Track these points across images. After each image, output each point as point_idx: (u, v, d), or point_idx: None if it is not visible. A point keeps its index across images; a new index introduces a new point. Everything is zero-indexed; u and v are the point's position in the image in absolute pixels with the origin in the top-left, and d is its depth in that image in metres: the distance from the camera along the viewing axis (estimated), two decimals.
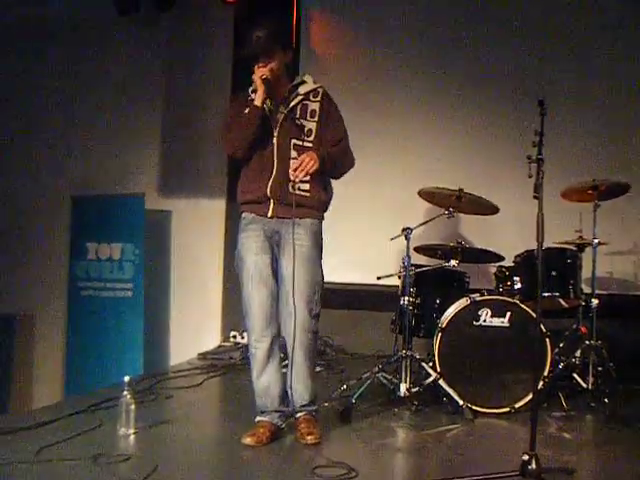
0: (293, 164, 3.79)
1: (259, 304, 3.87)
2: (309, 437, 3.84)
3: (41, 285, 7.92)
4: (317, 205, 3.96)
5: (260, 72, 3.85)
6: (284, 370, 4.00)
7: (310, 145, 3.90)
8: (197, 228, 7.61)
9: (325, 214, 4.05)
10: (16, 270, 7.92)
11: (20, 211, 8.02)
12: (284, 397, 3.96)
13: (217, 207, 7.55)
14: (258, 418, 3.96)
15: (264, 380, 3.92)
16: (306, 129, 3.92)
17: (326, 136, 3.95)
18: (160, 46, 7.88)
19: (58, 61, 7.95)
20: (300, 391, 3.92)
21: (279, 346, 3.97)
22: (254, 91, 3.91)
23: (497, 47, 6.95)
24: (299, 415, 3.96)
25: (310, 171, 3.74)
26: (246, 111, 3.87)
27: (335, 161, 3.93)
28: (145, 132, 7.88)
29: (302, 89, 3.98)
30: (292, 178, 3.77)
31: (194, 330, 7.45)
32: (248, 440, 3.80)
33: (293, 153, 3.87)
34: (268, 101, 3.88)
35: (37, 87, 7.98)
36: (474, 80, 6.95)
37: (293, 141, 3.90)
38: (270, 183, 3.86)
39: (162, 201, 7.78)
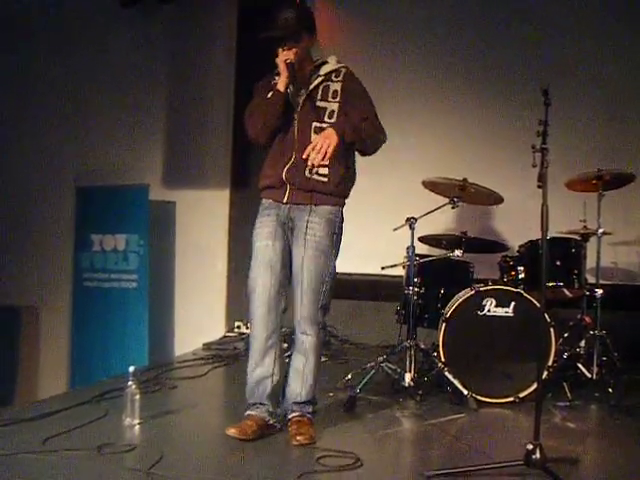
0: (308, 149, 3.58)
1: (262, 291, 3.72)
2: (298, 437, 3.67)
3: (46, 277, 7.93)
4: (336, 191, 3.80)
5: (285, 56, 3.70)
6: (287, 360, 3.90)
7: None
8: (201, 219, 7.61)
9: (346, 200, 3.91)
10: (21, 262, 7.94)
11: (24, 202, 8.03)
12: (278, 393, 3.81)
13: (221, 197, 7.55)
14: (247, 412, 3.81)
15: (258, 372, 3.76)
16: (328, 111, 3.76)
17: (351, 115, 3.74)
18: (163, 37, 7.86)
19: (61, 52, 7.93)
20: (295, 388, 3.80)
21: (281, 337, 3.83)
22: (278, 74, 3.78)
23: (501, 36, 6.92)
24: (292, 415, 3.82)
25: (329, 151, 3.54)
26: (269, 95, 3.75)
27: (362, 132, 3.74)
28: (149, 123, 7.87)
29: (323, 70, 3.84)
30: (309, 164, 3.60)
31: (199, 320, 7.46)
32: (232, 431, 3.66)
33: (313, 137, 3.68)
34: (291, 85, 3.76)
35: (40, 79, 7.98)
36: (478, 69, 6.93)
37: (314, 124, 3.74)
38: (287, 168, 3.74)
39: (166, 192, 7.77)
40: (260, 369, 3.77)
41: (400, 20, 7.18)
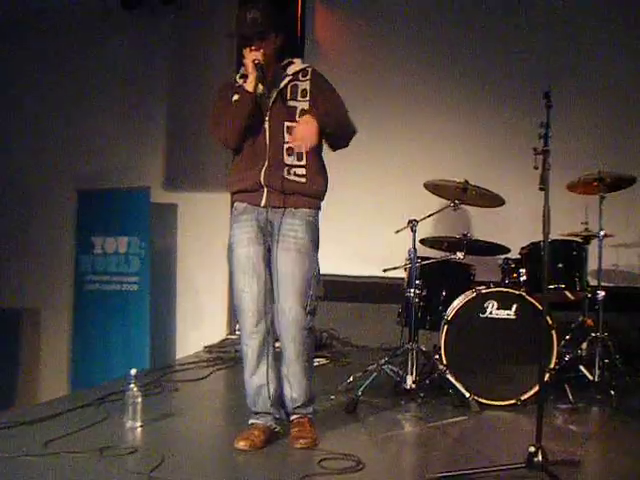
0: (292, 134, 3.56)
1: (250, 299, 3.67)
2: (301, 441, 3.66)
3: (47, 279, 7.94)
4: (314, 193, 3.74)
5: (253, 56, 3.61)
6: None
7: None
8: (202, 221, 7.61)
9: (322, 204, 3.81)
10: (22, 264, 7.95)
11: (26, 205, 8.04)
12: (278, 398, 3.77)
13: (222, 199, 7.49)
14: (251, 421, 3.77)
15: (256, 380, 3.71)
16: (298, 109, 3.68)
17: (320, 112, 3.65)
18: (165, 39, 7.87)
19: (62, 55, 7.94)
20: (293, 392, 3.75)
21: (273, 342, 3.75)
22: (243, 76, 3.72)
23: (503, 39, 6.93)
24: (292, 418, 3.80)
25: (313, 136, 3.52)
26: (235, 97, 3.67)
27: (336, 121, 3.69)
28: (150, 125, 7.88)
29: (290, 69, 3.76)
30: (295, 147, 3.59)
31: (200, 323, 7.47)
32: (242, 444, 3.60)
33: (287, 137, 3.64)
34: (260, 85, 3.65)
35: (42, 82, 7.99)
36: (480, 71, 6.94)
37: (286, 124, 3.65)
38: (264, 170, 3.64)
39: (168, 194, 7.79)
40: (257, 378, 3.72)
41: (400, 22, 7.19)
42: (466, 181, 5.05)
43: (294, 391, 3.74)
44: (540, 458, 3.16)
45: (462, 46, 7.01)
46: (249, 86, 3.63)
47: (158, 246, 7.58)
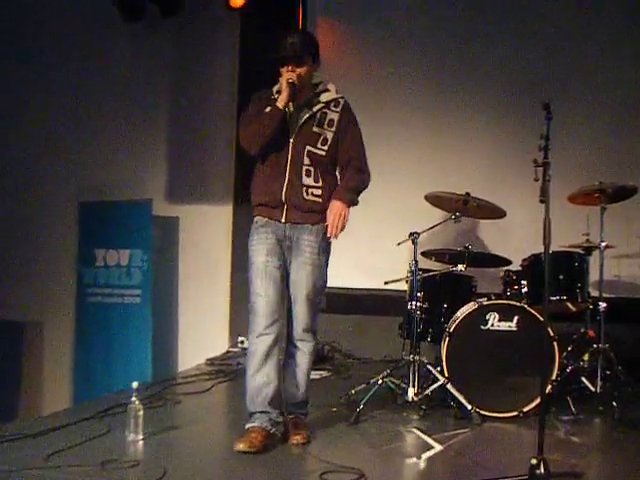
0: (329, 229, 3.89)
1: (266, 302, 3.87)
2: (297, 437, 3.91)
3: (49, 292, 7.94)
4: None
5: (288, 75, 3.87)
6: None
7: (323, 154, 3.94)
8: (205, 234, 7.62)
9: None
10: (24, 277, 7.94)
11: (28, 218, 8.04)
12: (276, 401, 3.90)
13: (224, 212, 7.56)
14: (248, 425, 3.87)
15: (258, 379, 3.85)
16: (321, 137, 3.95)
17: (342, 149, 3.99)
18: (166, 52, 7.90)
19: (64, 68, 7.97)
20: (293, 390, 4.03)
21: (280, 348, 3.95)
22: (278, 92, 3.94)
23: (503, 50, 6.94)
24: (290, 417, 4.04)
25: (345, 225, 3.90)
26: (267, 110, 3.89)
27: (357, 190, 4.01)
28: (152, 138, 7.90)
29: (324, 97, 4.01)
30: (331, 236, 3.90)
31: (202, 336, 7.46)
32: (241, 446, 3.72)
33: (306, 160, 3.91)
34: (290, 104, 3.91)
35: (44, 95, 8.01)
36: (480, 84, 6.96)
37: (308, 148, 3.92)
38: (284, 188, 3.89)
39: (170, 207, 7.79)
40: (259, 376, 3.86)
41: (401, 34, 7.21)
42: (467, 193, 5.07)
43: (300, 391, 4.05)
44: (542, 470, 3.16)
45: (463, 58, 7.03)
46: (280, 103, 3.86)
47: (160, 259, 7.58)
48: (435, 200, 5.35)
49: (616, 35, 6.71)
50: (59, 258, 7.93)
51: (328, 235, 3.90)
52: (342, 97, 4.07)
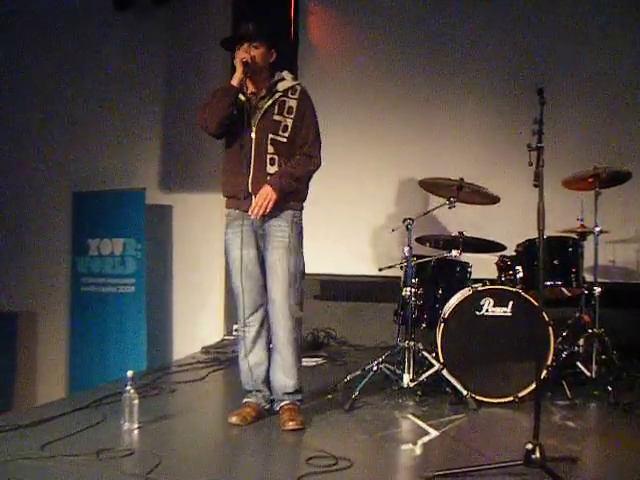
0: (251, 208, 3.94)
1: (246, 295, 4.07)
2: (290, 423, 3.95)
3: (43, 282, 7.93)
4: (296, 197, 4.10)
5: (241, 54, 3.98)
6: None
7: (285, 141, 4.04)
8: (198, 222, 7.60)
9: (304, 203, 4.19)
10: (18, 267, 7.93)
11: (21, 208, 8.02)
12: (267, 379, 4.17)
13: (218, 201, 7.47)
14: (245, 399, 4.18)
15: (250, 359, 4.13)
16: (282, 125, 4.05)
17: (298, 134, 4.08)
18: (158, 41, 7.86)
19: (56, 57, 7.94)
20: (283, 379, 4.09)
21: (267, 330, 4.15)
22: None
23: (496, 35, 6.92)
24: (283, 403, 4.11)
25: (269, 206, 3.93)
26: (221, 87, 4.06)
27: (294, 176, 4.04)
28: (145, 127, 7.87)
29: (281, 86, 4.10)
30: (251, 216, 3.95)
31: (197, 324, 7.46)
32: (234, 419, 4.02)
33: (270, 148, 4.02)
34: (247, 87, 4.06)
35: (36, 83, 7.99)
36: (473, 69, 6.94)
37: (270, 136, 4.03)
38: (250, 180, 4.01)
39: (163, 196, 7.79)
40: (250, 358, 4.13)
41: (393, 21, 7.18)
42: (461, 179, 5.06)
43: (288, 377, 4.09)
44: (538, 455, 3.15)
45: (456, 44, 7.00)
46: (234, 80, 3.99)
47: (154, 248, 7.57)
48: (429, 186, 5.34)
49: (610, 20, 6.68)
50: (53, 248, 7.92)
51: (249, 213, 3.95)
52: (299, 84, 4.18)
